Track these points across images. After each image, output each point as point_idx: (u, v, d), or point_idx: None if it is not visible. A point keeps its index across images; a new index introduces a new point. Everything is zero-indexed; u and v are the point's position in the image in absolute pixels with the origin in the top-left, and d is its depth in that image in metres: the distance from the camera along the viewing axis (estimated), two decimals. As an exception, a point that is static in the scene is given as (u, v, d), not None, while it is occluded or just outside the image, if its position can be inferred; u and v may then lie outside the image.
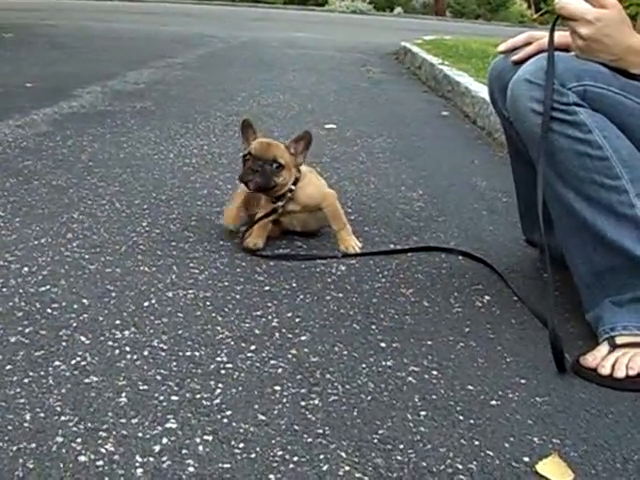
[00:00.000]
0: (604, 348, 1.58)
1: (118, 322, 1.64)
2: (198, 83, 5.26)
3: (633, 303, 1.59)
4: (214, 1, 20.69)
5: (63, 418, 1.27)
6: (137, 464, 1.17)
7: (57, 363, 1.45)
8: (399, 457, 1.24)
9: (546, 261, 1.58)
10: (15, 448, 1.19)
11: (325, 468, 1.20)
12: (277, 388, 1.42)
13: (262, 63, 6.82)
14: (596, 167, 1.55)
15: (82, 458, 1.17)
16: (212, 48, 8.05)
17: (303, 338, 1.63)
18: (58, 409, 1.30)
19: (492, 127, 3.93)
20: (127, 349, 1.53)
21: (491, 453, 1.27)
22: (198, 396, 1.37)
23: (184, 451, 1.21)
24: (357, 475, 1.19)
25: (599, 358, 1.56)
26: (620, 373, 1.52)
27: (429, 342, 1.66)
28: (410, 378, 1.50)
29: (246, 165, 2.08)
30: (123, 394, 1.36)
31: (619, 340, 1.57)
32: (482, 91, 4.36)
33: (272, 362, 1.52)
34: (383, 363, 1.55)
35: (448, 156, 3.55)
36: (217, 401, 1.36)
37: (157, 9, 15.76)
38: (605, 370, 1.53)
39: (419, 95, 5.56)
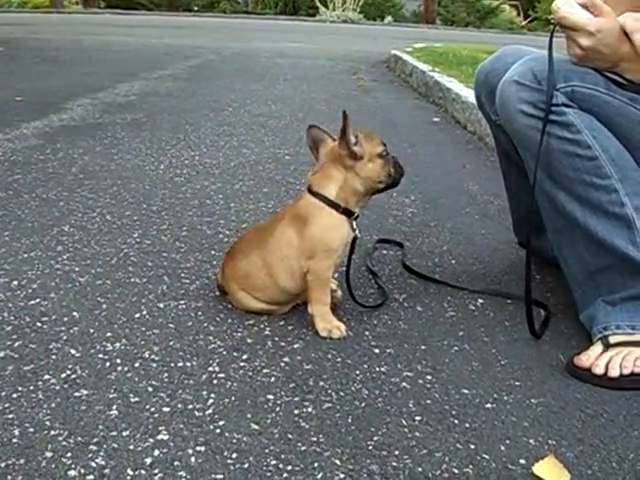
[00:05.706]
0: (598, 348, 1.57)
1: (109, 334, 1.62)
2: (189, 94, 5.26)
3: (626, 302, 1.58)
4: (205, 13, 20.71)
5: (53, 433, 1.26)
6: (128, 477, 1.16)
7: (47, 377, 1.43)
8: (394, 463, 1.23)
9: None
10: (4, 464, 1.17)
11: (320, 476, 1.18)
12: (270, 397, 1.41)
13: (253, 73, 6.82)
14: (585, 167, 1.55)
15: (72, 473, 1.16)
16: (203, 59, 8.05)
17: (296, 346, 1.62)
18: (47, 424, 1.28)
19: (483, 132, 3.93)
20: (118, 361, 1.51)
21: (487, 456, 1.26)
22: (190, 407, 1.36)
23: (176, 463, 1.20)
24: (351, 482, 1.18)
25: (593, 358, 1.55)
26: (614, 372, 1.51)
27: (423, 347, 1.65)
28: (404, 383, 1.49)
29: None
30: (114, 407, 1.35)
31: (612, 339, 1.57)
32: (472, 97, 4.31)
33: (265, 371, 1.51)
34: (377, 369, 1.54)
35: (440, 161, 3.55)
36: (209, 411, 1.35)
37: (147, 22, 15.77)
38: (599, 370, 1.52)
39: (410, 102, 5.56)
